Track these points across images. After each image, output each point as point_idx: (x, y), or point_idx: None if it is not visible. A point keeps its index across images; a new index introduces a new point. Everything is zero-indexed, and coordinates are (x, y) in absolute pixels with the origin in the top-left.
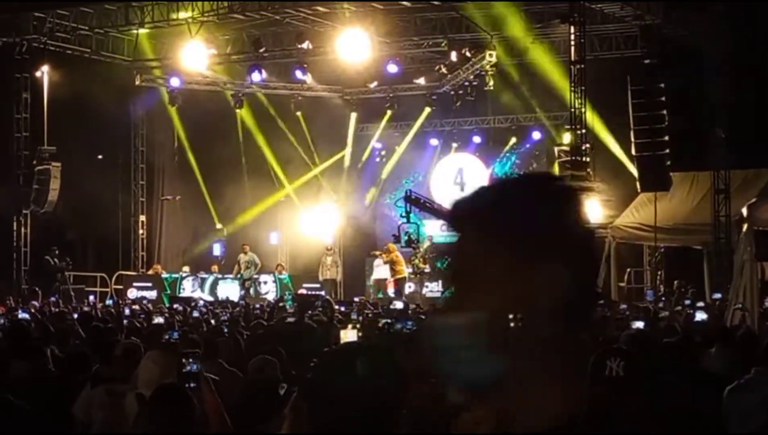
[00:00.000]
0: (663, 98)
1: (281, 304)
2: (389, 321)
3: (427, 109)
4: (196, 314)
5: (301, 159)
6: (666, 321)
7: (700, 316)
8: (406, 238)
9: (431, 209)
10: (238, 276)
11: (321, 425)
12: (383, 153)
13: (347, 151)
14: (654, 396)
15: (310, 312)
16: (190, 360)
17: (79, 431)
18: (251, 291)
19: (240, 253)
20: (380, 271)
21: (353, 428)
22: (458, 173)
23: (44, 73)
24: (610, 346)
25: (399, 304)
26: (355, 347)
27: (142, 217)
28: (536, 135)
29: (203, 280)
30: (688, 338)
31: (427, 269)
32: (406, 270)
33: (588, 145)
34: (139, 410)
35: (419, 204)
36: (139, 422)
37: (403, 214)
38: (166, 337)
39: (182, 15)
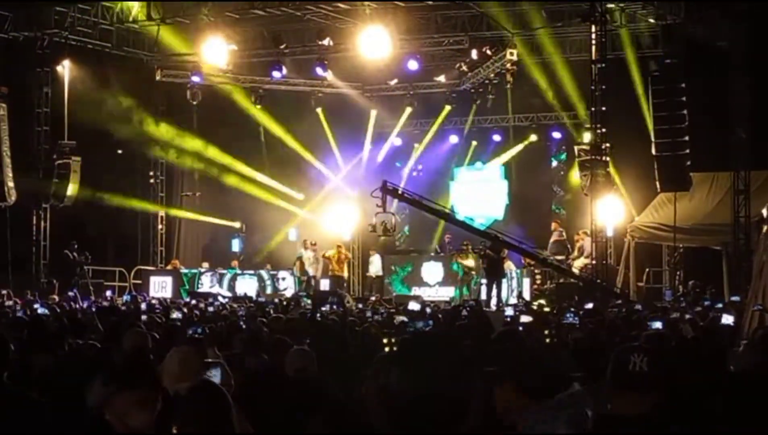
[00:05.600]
0: (684, 98)
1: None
2: (405, 320)
3: (447, 107)
4: (212, 309)
5: (318, 156)
6: (679, 323)
7: (727, 319)
8: (382, 228)
9: (409, 199)
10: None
11: (396, 415)
12: (420, 167)
13: (366, 149)
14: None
15: (323, 308)
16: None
17: None
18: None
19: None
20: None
21: (425, 418)
22: (478, 186)
23: (65, 67)
24: (632, 344)
25: (416, 305)
26: (425, 338)
27: (162, 213)
28: (556, 134)
29: (222, 275)
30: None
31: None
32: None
33: (608, 145)
34: (177, 408)
35: (397, 194)
36: (175, 421)
37: (380, 205)
38: (190, 332)
39: (203, 11)
